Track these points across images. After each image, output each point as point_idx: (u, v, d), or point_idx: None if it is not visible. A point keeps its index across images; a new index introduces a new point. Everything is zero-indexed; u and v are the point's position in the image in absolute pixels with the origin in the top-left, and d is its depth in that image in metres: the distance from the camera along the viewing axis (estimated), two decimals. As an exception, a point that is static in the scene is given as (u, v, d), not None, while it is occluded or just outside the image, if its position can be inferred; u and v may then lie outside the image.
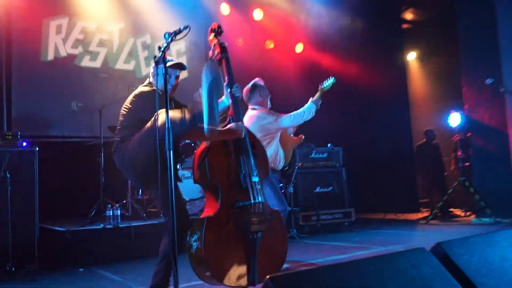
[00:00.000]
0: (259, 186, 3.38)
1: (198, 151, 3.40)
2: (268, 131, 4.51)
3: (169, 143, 2.47)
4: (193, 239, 3.28)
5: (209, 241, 3.15)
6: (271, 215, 3.49)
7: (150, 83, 3.29)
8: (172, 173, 2.49)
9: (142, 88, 3.25)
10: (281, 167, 4.70)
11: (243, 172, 3.36)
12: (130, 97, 3.24)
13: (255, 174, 3.35)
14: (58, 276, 4.66)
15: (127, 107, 3.20)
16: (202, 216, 3.31)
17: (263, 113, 4.59)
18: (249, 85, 4.72)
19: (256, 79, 4.77)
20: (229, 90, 3.38)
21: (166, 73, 2.54)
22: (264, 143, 4.39)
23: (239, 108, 3.41)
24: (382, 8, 8.85)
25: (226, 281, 3.28)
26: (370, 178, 8.55)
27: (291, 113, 4.46)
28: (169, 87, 3.05)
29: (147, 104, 3.01)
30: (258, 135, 4.40)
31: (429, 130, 8.84)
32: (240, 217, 3.35)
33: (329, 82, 4.60)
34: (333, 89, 4.60)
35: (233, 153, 3.41)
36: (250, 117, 4.60)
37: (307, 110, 4.43)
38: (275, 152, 4.58)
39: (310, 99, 4.50)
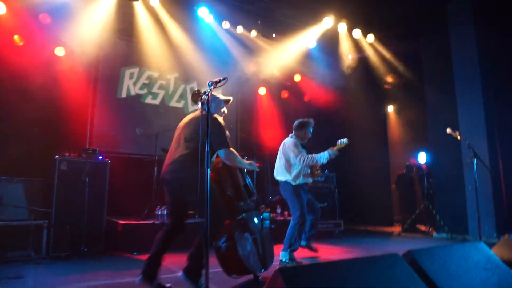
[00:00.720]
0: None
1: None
2: (288, 158, 4.49)
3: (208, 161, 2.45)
4: (221, 241, 3.24)
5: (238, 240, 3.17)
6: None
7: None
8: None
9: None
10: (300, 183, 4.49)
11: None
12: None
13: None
14: (117, 258, 4.67)
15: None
16: (227, 222, 3.21)
17: (292, 141, 4.52)
18: (303, 120, 4.66)
19: (311, 119, 4.69)
20: None
21: (208, 111, 2.54)
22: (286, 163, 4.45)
23: None
24: (369, 73, 8.94)
25: (251, 268, 3.24)
26: (356, 198, 8.44)
27: (308, 156, 4.34)
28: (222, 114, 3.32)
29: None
30: (280, 157, 4.46)
31: (409, 165, 8.79)
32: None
33: (343, 140, 4.44)
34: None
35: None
36: (285, 141, 4.60)
37: (321, 158, 4.30)
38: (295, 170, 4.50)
39: (328, 150, 4.34)
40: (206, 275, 2.18)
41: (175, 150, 3.18)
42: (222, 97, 3.40)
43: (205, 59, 7.73)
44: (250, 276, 3.50)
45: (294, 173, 4.44)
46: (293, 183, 4.42)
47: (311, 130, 4.62)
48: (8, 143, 5.37)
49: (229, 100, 3.43)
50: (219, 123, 3.11)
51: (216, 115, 3.21)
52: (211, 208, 2.57)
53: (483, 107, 6.72)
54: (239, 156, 3.15)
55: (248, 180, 3.56)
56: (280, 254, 4.26)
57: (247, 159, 3.46)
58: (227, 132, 3.17)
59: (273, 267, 3.45)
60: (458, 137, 5.03)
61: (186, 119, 3.32)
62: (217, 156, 3.22)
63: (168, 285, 3.04)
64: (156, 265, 3.00)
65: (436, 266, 2.17)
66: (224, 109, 3.41)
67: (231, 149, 3.10)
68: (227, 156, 3.06)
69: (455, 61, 7.18)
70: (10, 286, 3.24)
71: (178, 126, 3.35)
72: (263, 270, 3.39)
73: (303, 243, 4.56)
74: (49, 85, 5.83)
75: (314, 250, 4.68)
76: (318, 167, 4.50)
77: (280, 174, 4.56)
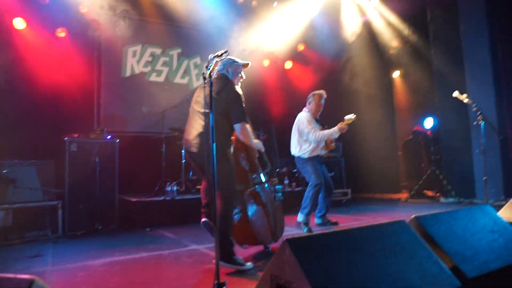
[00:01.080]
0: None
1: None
2: (302, 134, 4.49)
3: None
4: (234, 212, 3.28)
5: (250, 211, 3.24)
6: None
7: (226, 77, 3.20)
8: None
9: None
10: (312, 155, 4.52)
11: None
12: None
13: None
14: (131, 234, 4.77)
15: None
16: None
17: (305, 116, 4.52)
18: (313, 93, 4.62)
19: (321, 91, 4.63)
20: None
21: (211, 85, 2.48)
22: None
23: None
24: (373, 38, 8.73)
25: (261, 240, 3.30)
26: (363, 166, 8.42)
27: (319, 133, 4.36)
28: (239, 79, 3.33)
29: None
30: (294, 132, 4.46)
31: (415, 131, 8.69)
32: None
33: (350, 116, 4.43)
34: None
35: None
36: (299, 115, 4.58)
37: (331, 134, 4.33)
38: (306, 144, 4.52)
39: (338, 125, 4.34)
40: (215, 245, 2.22)
41: (194, 127, 3.13)
42: (240, 61, 3.29)
43: (207, 33, 7.58)
44: (261, 247, 3.57)
45: (308, 147, 4.50)
46: (306, 156, 4.51)
47: (323, 102, 4.58)
48: (18, 128, 5.41)
49: (248, 64, 3.32)
50: (238, 95, 3.04)
51: (235, 86, 3.15)
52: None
53: (491, 69, 6.55)
54: (251, 133, 3.15)
55: (263, 153, 3.57)
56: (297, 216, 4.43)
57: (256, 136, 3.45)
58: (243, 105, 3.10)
59: (282, 238, 3.52)
60: (465, 100, 4.93)
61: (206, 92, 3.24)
62: None
63: None
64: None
65: (443, 230, 2.18)
66: (242, 74, 3.33)
67: (247, 125, 3.07)
68: (241, 131, 3.03)
69: (463, 22, 6.94)
70: (31, 264, 3.35)
71: (197, 97, 3.25)
72: (273, 241, 3.45)
73: (318, 221, 4.62)
74: (53, 68, 5.80)
75: (334, 223, 4.72)
76: (332, 140, 4.49)
77: (294, 148, 4.62)
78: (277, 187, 3.58)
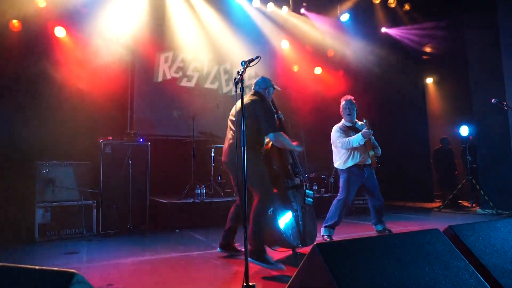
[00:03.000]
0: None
1: None
2: (334, 144, 4.46)
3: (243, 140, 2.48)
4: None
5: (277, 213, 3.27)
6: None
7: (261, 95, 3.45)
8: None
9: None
10: (348, 165, 4.36)
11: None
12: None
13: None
14: (161, 234, 4.87)
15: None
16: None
17: (336, 127, 4.48)
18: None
19: (344, 97, 4.53)
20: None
21: (243, 90, 2.55)
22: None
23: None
24: (408, 44, 8.55)
25: (290, 243, 3.30)
26: (395, 173, 8.23)
27: (344, 139, 4.27)
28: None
29: None
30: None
31: (444, 138, 8.39)
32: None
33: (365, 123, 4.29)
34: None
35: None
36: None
37: (356, 140, 4.18)
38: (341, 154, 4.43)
39: (362, 131, 4.17)
40: (245, 246, 2.23)
41: (229, 137, 3.39)
42: (275, 86, 3.61)
43: (237, 39, 7.67)
44: (290, 252, 3.56)
45: (341, 157, 4.41)
46: (342, 167, 4.40)
47: (348, 106, 4.43)
48: (56, 130, 5.67)
49: (279, 89, 3.69)
50: (268, 107, 3.32)
51: (268, 102, 3.45)
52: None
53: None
54: (288, 139, 3.30)
55: (296, 159, 3.65)
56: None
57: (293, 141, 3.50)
58: (278, 115, 3.48)
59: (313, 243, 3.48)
60: (505, 107, 4.71)
61: (237, 107, 3.40)
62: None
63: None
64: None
65: (480, 242, 2.09)
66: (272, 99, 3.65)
67: (281, 132, 3.27)
68: (276, 139, 3.22)
69: (501, 27, 6.65)
70: (67, 260, 3.49)
71: (231, 113, 3.47)
72: (301, 246, 3.42)
73: (378, 227, 4.49)
74: (90, 73, 6.05)
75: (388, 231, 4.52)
76: (368, 149, 4.28)
77: (334, 160, 4.56)
78: (307, 192, 3.56)
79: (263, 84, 3.48)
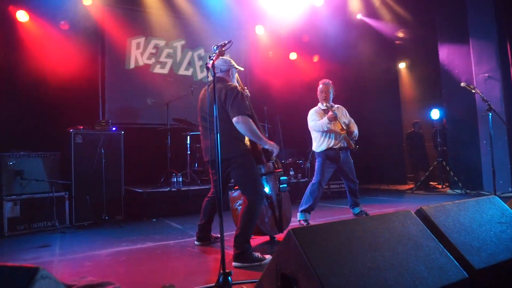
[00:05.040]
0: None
1: None
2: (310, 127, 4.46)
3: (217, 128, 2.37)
4: (237, 204, 3.30)
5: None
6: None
7: (224, 79, 3.14)
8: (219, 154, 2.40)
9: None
10: (323, 148, 4.36)
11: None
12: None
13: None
14: (137, 224, 4.80)
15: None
16: None
17: (312, 110, 4.46)
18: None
19: (322, 80, 4.47)
20: None
21: (214, 75, 2.48)
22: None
23: None
24: (380, 29, 8.64)
25: (266, 231, 3.30)
26: (370, 156, 8.38)
27: (315, 122, 4.28)
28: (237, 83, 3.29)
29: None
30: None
31: (416, 122, 8.63)
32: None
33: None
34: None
35: None
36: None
37: (323, 124, 4.19)
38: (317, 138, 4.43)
39: (328, 115, 4.17)
40: (221, 233, 2.22)
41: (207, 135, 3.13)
42: (235, 65, 3.30)
43: (211, 25, 7.53)
44: (267, 238, 3.58)
45: (316, 140, 4.43)
46: (318, 150, 4.41)
47: (322, 89, 4.40)
48: (23, 120, 5.43)
49: (241, 69, 3.37)
50: (238, 91, 2.98)
51: (235, 83, 3.18)
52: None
53: (499, 61, 6.45)
54: (256, 129, 2.98)
55: None
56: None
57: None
58: (247, 101, 3.09)
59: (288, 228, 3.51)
60: (473, 90, 4.86)
61: (202, 94, 3.29)
62: None
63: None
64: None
65: (449, 221, 2.15)
66: (237, 77, 3.41)
67: (247, 118, 2.93)
68: (239, 124, 2.90)
69: (470, 13, 6.81)
70: (39, 254, 3.38)
71: (200, 106, 3.24)
72: (278, 232, 3.44)
73: (355, 210, 4.55)
74: (57, 60, 5.80)
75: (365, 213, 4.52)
76: (342, 132, 4.28)
77: (312, 143, 4.55)
78: (281, 178, 3.54)
79: (224, 66, 3.17)
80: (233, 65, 3.25)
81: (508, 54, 6.46)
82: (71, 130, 4.78)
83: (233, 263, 2.78)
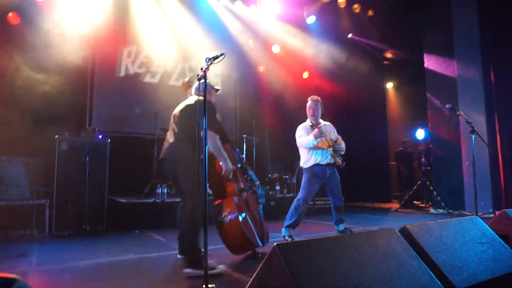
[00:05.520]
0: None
1: None
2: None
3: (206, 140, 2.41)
4: (222, 216, 3.25)
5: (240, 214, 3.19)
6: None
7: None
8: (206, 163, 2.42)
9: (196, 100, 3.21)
10: (310, 164, 4.38)
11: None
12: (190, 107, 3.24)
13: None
14: (120, 235, 4.71)
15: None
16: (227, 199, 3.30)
17: (300, 126, 4.48)
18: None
19: (310, 97, 4.51)
20: None
21: (205, 86, 2.49)
22: None
23: None
24: (369, 49, 8.84)
25: (256, 243, 3.26)
26: (355, 175, 8.45)
27: (302, 139, 4.32)
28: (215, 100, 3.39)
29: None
30: None
31: (405, 141, 8.80)
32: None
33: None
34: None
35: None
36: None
37: (309, 140, 4.23)
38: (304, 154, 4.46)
39: (314, 132, 4.19)
40: (205, 246, 2.19)
41: (170, 137, 3.29)
42: (215, 86, 3.53)
43: (203, 37, 7.58)
44: (250, 252, 3.54)
45: (303, 156, 4.45)
46: (305, 166, 4.43)
47: (311, 106, 4.46)
48: (7, 124, 5.32)
49: (219, 90, 3.58)
50: (212, 105, 3.16)
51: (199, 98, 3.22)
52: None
53: (483, 85, 6.67)
54: (220, 146, 3.13)
55: (243, 161, 3.62)
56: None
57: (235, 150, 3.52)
58: (217, 116, 3.26)
59: (270, 243, 3.48)
60: (458, 113, 4.98)
61: (180, 107, 3.38)
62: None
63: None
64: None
65: (432, 240, 2.18)
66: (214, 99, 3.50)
67: (214, 133, 3.10)
68: (210, 138, 3.02)
69: (456, 38, 7.05)
70: (15, 263, 3.27)
71: (173, 113, 3.39)
72: (261, 245, 3.41)
73: (339, 227, 4.54)
74: (46, 65, 5.73)
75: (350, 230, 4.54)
76: (327, 148, 4.28)
77: (300, 158, 4.57)
78: (259, 191, 3.53)
79: (209, 86, 3.35)
80: (212, 86, 3.46)
81: (491, 79, 6.68)
82: (56, 136, 4.70)
83: (184, 270, 2.83)
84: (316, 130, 4.18)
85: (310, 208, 6.64)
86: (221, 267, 2.89)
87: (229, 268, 3.05)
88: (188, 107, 3.27)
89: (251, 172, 3.61)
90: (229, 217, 3.21)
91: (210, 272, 2.73)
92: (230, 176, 3.25)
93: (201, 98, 3.13)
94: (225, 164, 3.17)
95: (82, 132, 5.01)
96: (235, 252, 3.34)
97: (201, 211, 2.88)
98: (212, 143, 3.07)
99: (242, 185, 3.40)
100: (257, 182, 3.56)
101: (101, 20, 6.29)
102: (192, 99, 3.35)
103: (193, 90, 3.49)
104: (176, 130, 3.24)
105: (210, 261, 2.84)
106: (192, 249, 2.95)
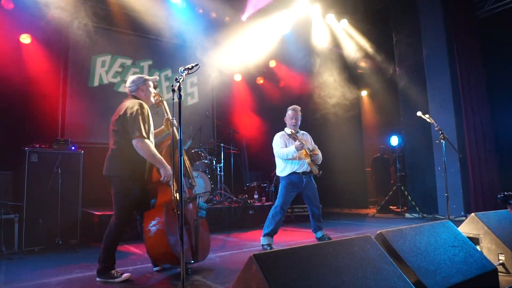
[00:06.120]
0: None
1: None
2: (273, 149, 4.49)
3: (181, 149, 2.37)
4: (151, 224, 3.10)
5: (168, 225, 3.01)
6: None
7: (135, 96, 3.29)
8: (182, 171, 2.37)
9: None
10: (286, 173, 4.39)
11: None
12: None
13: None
14: (94, 249, 4.55)
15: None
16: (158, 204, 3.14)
17: (277, 135, 4.50)
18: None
19: (292, 106, 4.56)
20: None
21: (180, 97, 2.46)
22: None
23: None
24: (343, 58, 9.04)
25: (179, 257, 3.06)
26: (333, 181, 8.56)
27: (282, 150, 4.33)
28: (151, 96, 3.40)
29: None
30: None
31: (382, 147, 9.00)
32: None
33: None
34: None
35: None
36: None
37: (289, 152, 4.26)
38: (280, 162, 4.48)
39: (295, 144, 4.21)
40: (181, 255, 2.14)
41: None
42: (146, 76, 3.39)
43: (179, 46, 7.55)
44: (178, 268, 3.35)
45: (280, 165, 4.46)
46: (282, 175, 4.44)
47: (292, 115, 4.49)
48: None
49: (155, 78, 3.44)
50: (138, 110, 3.04)
51: (141, 101, 3.19)
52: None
53: (451, 92, 6.93)
54: (153, 153, 3.02)
55: (188, 170, 3.44)
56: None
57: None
58: (151, 122, 3.16)
59: (248, 252, 3.44)
60: (428, 120, 5.14)
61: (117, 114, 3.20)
62: (160, 144, 3.34)
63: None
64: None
65: (407, 245, 2.23)
66: (151, 90, 3.40)
67: (146, 140, 3.00)
68: (138, 147, 2.99)
69: (425, 46, 7.32)
70: (-19, 282, 3.11)
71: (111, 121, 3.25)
72: (193, 261, 3.18)
73: (318, 234, 4.55)
74: (15, 75, 5.56)
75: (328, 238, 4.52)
76: (305, 158, 4.30)
77: (276, 168, 4.56)
78: (200, 203, 3.36)
79: (134, 85, 3.29)
80: (143, 80, 3.33)
81: (459, 86, 6.95)
82: (26, 148, 4.54)
83: (97, 279, 3.03)
84: (297, 142, 4.21)
85: (289, 215, 6.66)
86: (125, 275, 3.04)
87: (206, 279, 3.01)
88: (117, 112, 3.17)
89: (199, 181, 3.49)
90: (157, 226, 3.04)
91: (113, 280, 2.98)
92: (171, 183, 3.04)
93: (131, 100, 3.18)
94: (163, 170, 3.03)
95: (54, 144, 4.85)
96: (156, 259, 3.25)
97: (120, 230, 3.06)
98: (141, 150, 3.00)
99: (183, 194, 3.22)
100: (201, 193, 3.41)
101: (73, 28, 6.17)
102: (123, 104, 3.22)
103: (133, 85, 3.32)
104: (115, 139, 3.17)
105: (114, 271, 3.04)
106: (105, 262, 3.03)
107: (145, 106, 3.15)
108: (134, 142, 2.99)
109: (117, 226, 3.05)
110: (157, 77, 3.43)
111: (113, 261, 3.09)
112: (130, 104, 3.10)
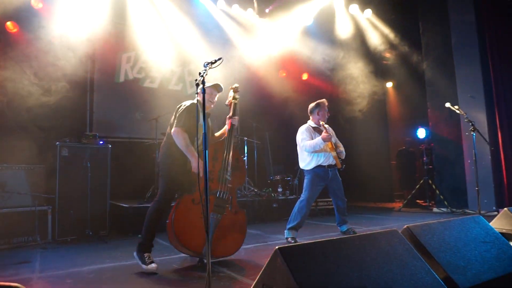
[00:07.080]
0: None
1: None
2: (299, 145, 4.45)
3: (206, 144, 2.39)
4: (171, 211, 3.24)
5: (178, 217, 3.13)
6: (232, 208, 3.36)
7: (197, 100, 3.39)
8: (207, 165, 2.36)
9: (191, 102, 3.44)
10: (312, 166, 4.37)
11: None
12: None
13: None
14: (122, 240, 4.70)
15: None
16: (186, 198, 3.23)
17: (302, 128, 4.48)
18: (313, 103, 4.55)
19: (321, 101, 4.54)
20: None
21: (204, 92, 2.50)
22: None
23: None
24: (369, 49, 8.84)
25: (189, 249, 3.11)
26: (358, 175, 8.44)
27: (309, 142, 4.28)
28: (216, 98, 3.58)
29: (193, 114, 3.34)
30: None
31: (407, 140, 8.79)
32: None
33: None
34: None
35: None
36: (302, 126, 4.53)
37: (317, 144, 4.21)
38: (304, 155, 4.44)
39: (322, 135, 4.17)
40: (207, 252, 2.18)
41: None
42: (209, 84, 3.47)
43: (202, 41, 7.59)
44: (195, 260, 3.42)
45: (305, 158, 4.42)
46: (307, 168, 4.41)
47: (321, 108, 4.45)
48: (8, 131, 5.34)
49: (218, 85, 3.58)
50: (187, 107, 3.35)
51: (193, 101, 3.41)
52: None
53: (482, 81, 6.65)
54: (186, 143, 3.22)
55: (223, 164, 3.42)
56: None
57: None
58: (199, 120, 3.23)
59: (273, 245, 3.45)
60: (458, 111, 4.97)
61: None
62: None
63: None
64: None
65: (435, 240, 2.17)
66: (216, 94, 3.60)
67: (182, 131, 3.25)
68: (174, 135, 3.28)
69: (454, 35, 7.05)
70: (18, 270, 3.27)
71: None
72: (201, 254, 3.17)
73: (342, 228, 4.53)
74: (46, 72, 5.75)
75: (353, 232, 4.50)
76: (331, 151, 4.27)
77: (299, 160, 4.53)
78: (217, 205, 3.25)
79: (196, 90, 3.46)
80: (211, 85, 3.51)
81: (491, 75, 6.66)
82: (57, 143, 4.71)
83: (134, 253, 3.21)
84: (325, 133, 4.17)
85: (313, 209, 6.63)
86: (152, 266, 3.06)
87: (232, 272, 3.05)
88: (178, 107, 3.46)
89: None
90: (173, 216, 3.13)
91: (140, 262, 3.09)
92: (201, 175, 2.91)
93: (195, 100, 3.34)
94: (193, 161, 3.24)
95: (83, 138, 5.01)
96: (178, 247, 3.26)
97: (162, 209, 3.24)
98: (176, 140, 3.26)
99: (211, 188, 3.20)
100: (224, 191, 3.33)
101: (99, 26, 6.31)
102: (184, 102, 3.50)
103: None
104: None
105: (147, 255, 3.12)
106: (142, 236, 3.21)
107: (195, 105, 3.34)
108: (172, 131, 3.29)
109: (157, 203, 3.26)
110: (237, 84, 3.89)
111: (150, 244, 3.22)
112: (184, 103, 3.45)
